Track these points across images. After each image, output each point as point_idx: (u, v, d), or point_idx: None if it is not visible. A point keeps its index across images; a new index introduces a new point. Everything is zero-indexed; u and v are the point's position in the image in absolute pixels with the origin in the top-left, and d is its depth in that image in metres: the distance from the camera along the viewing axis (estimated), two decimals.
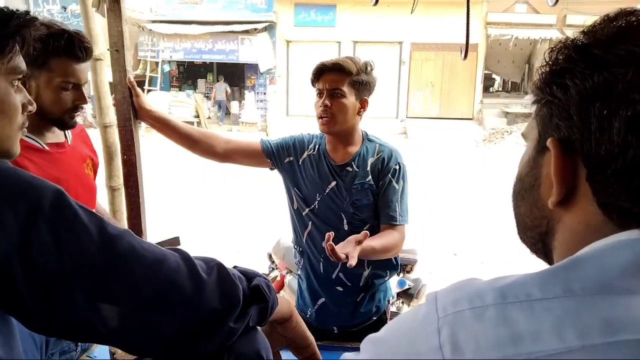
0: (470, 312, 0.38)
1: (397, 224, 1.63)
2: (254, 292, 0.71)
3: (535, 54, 15.65)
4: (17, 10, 0.73)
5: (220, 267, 0.68)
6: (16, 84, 0.74)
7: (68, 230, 0.58)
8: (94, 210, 0.65)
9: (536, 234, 0.50)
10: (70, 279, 0.57)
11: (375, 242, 1.54)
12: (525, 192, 0.50)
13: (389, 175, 1.64)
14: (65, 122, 1.42)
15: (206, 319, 0.64)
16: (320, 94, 1.64)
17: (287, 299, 0.86)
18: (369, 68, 1.66)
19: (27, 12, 0.76)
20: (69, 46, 1.33)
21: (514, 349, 0.34)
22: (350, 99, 1.62)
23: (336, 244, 1.70)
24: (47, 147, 1.41)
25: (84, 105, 1.43)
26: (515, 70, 16.12)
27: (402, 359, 0.40)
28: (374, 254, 1.53)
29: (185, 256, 0.66)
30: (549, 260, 0.50)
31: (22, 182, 0.59)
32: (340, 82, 1.61)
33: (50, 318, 0.58)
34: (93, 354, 1.48)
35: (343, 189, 1.66)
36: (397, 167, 1.66)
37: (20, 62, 0.74)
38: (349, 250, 1.37)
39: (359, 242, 1.39)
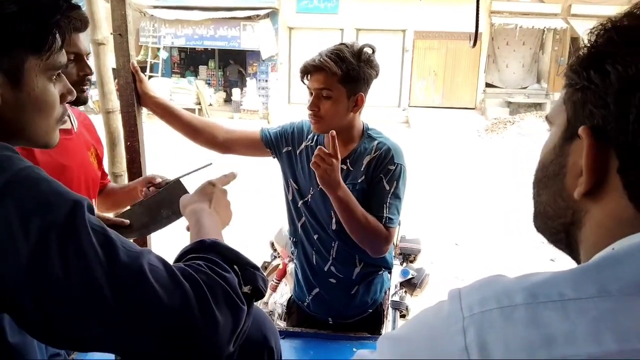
0: (498, 311, 0.36)
1: (383, 225, 1.52)
2: (253, 294, 0.72)
3: (543, 47, 15.30)
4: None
5: (226, 294, 0.67)
6: (54, 77, 0.72)
7: (78, 254, 0.58)
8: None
9: (559, 224, 0.48)
10: (77, 304, 0.58)
11: (360, 208, 1.48)
12: (549, 180, 0.48)
13: (381, 175, 1.54)
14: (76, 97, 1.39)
15: (214, 349, 0.65)
16: (310, 92, 1.55)
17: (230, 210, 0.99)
18: (363, 56, 1.52)
19: (69, 6, 0.71)
20: None
21: (547, 351, 0.33)
22: (341, 99, 1.52)
23: (322, 243, 1.69)
24: None
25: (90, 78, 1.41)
26: (526, 74, 15.66)
27: (424, 359, 0.38)
28: (352, 213, 1.46)
29: (196, 287, 0.64)
30: (571, 252, 0.48)
31: (39, 197, 0.59)
32: (327, 82, 1.50)
33: (53, 335, 0.60)
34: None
35: None
36: (393, 167, 1.55)
37: (61, 57, 0.70)
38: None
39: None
